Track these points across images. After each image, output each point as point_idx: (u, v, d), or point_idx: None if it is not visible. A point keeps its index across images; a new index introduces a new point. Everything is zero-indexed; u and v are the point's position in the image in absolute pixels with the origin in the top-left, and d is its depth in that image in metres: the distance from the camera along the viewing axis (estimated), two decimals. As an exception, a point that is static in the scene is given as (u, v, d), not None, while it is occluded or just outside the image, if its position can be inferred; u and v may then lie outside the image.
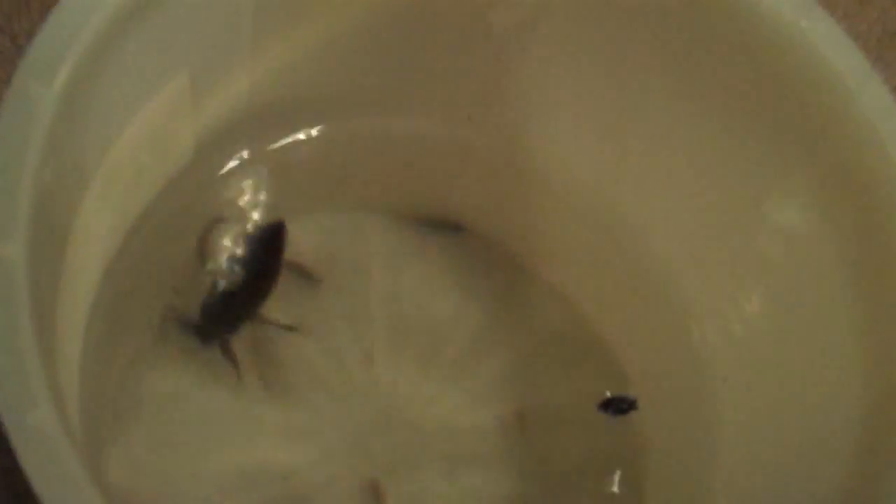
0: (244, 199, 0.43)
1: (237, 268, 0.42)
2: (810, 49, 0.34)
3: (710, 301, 0.40)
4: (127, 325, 0.39)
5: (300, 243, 0.44)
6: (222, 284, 0.42)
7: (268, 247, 0.43)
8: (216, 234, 0.42)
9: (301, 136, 0.42)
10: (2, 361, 0.25)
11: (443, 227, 0.46)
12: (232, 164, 0.41)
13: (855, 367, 0.33)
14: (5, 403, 0.25)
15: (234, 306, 0.42)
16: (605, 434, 0.43)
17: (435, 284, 0.45)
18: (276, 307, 0.43)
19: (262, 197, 0.43)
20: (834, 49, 0.34)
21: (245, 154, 0.41)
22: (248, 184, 0.42)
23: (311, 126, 0.42)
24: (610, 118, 0.41)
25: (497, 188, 0.44)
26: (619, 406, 0.42)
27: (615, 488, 0.43)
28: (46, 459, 0.25)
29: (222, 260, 0.42)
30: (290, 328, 0.42)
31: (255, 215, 0.43)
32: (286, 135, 0.41)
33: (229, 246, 0.42)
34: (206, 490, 0.40)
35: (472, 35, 0.38)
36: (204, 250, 0.42)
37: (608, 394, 0.43)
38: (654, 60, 0.37)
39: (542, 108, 0.41)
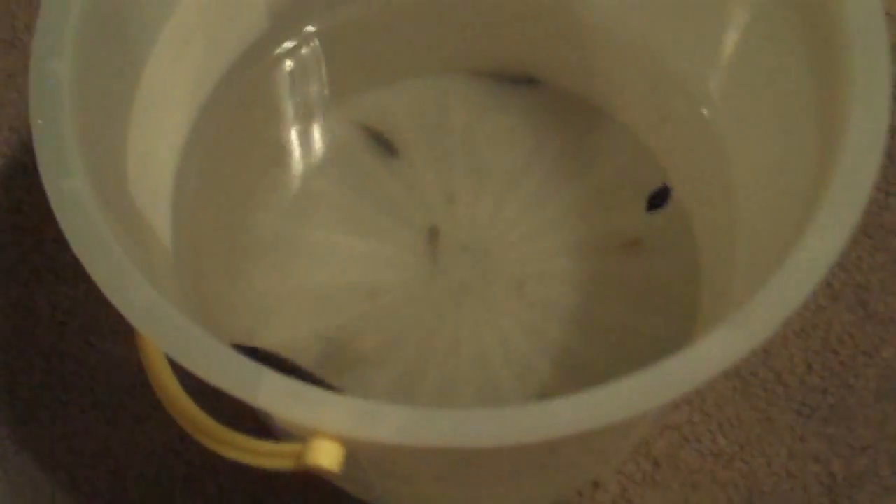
0: (319, 72, 0.50)
1: None
2: None
3: (727, 102, 0.44)
4: (224, 178, 0.47)
5: (385, 110, 0.51)
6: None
7: None
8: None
9: (370, 6, 0.48)
10: (43, 138, 0.33)
11: (520, 81, 0.51)
12: (305, 33, 0.48)
13: (812, 132, 0.37)
14: (45, 170, 0.33)
15: None
16: (662, 256, 0.48)
17: (513, 131, 0.51)
18: (360, 163, 0.50)
19: (339, 66, 0.50)
20: None
21: (317, 26, 0.48)
22: (321, 56, 0.49)
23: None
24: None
25: (565, 43, 0.49)
26: (657, 198, 0.47)
27: (676, 302, 0.47)
28: (79, 221, 0.32)
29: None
30: None
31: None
32: (358, 5, 0.48)
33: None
34: (306, 304, 0.47)
35: None
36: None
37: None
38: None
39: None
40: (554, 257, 0.48)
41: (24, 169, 0.53)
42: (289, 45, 0.48)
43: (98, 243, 0.31)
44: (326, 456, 0.30)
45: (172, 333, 0.31)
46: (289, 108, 0.49)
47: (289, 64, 0.49)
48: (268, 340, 0.46)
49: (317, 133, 0.50)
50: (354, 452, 0.30)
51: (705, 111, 0.44)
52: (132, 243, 0.35)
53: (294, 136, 0.50)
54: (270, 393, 0.30)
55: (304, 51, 0.49)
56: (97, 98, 0.36)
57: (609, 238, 0.48)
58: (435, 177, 0.50)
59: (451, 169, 0.50)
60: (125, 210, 0.38)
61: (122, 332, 0.48)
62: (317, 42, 0.49)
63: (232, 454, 0.32)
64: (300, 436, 0.31)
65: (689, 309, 0.46)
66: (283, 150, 0.49)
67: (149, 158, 0.41)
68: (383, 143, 0.50)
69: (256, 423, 0.34)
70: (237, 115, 0.47)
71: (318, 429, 0.30)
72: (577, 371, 0.46)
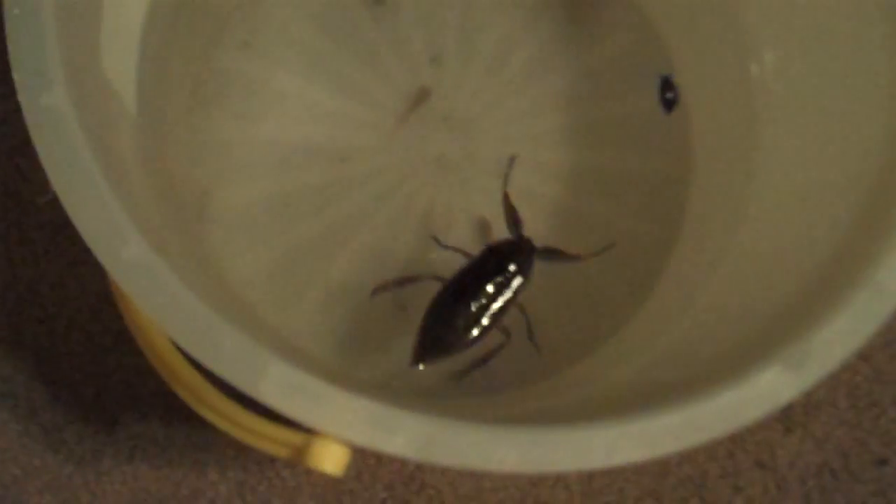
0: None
1: None
2: None
3: (770, 38, 0.40)
4: (195, 16, 0.41)
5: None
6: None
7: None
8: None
9: None
10: (19, 43, 0.27)
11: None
12: None
13: (876, 126, 0.34)
14: (22, 85, 0.27)
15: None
16: (658, 154, 0.44)
17: (511, -6, 0.45)
18: (342, 6, 0.44)
19: None
20: None
21: None
22: None
23: None
24: None
25: None
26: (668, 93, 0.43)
27: (661, 207, 0.44)
28: (56, 138, 0.27)
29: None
30: None
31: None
32: None
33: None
34: (269, 161, 0.43)
35: None
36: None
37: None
38: None
39: None
40: (541, 142, 0.44)
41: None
42: None
43: (86, 186, 0.27)
44: (330, 459, 0.27)
45: (169, 305, 0.27)
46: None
47: None
48: (226, 200, 0.42)
49: (298, -33, 0.44)
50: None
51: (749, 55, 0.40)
52: (106, 145, 0.30)
53: (272, -32, 0.43)
54: (275, 386, 0.26)
55: None
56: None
57: (601, 128, 0.44)
58: (422, 32, 0.45)
59: (441, 25, 0.45)
60: (95, 84, 0.32)
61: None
62: None
63: (223, 425, 0.28)
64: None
65: (676, 213, 0.44)
66: (258, -15, 0.43)
67: (120, 12, 0.35)
68: None
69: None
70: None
71: (326, 432, 0.27)
72: (554, 268, 0.43)
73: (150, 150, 0.37)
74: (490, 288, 0.38)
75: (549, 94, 0.45)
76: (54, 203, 0.28)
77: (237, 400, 0.29)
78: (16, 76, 0.27)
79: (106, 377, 0.44)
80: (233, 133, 0.43)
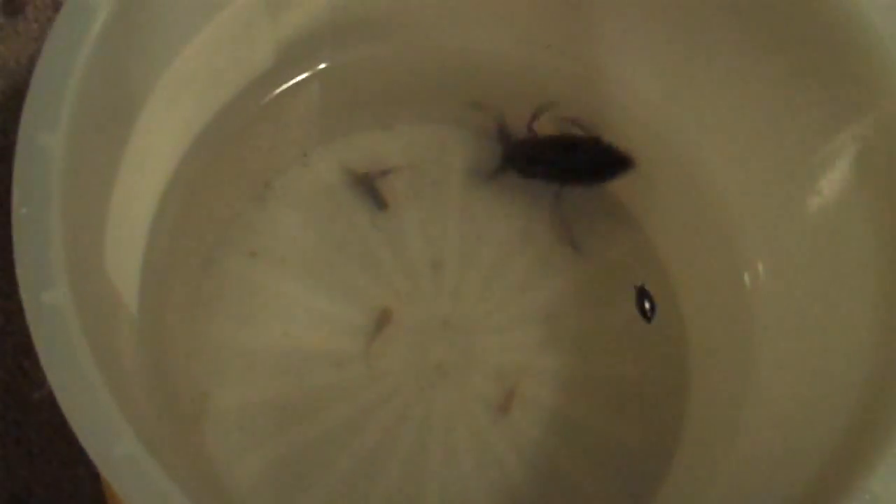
0: (320, 111, 0.45)
1: None
2: (863, 17, 0.34)
3: (764, 250, 0.41)
4: (201, 219, 0.42)
5: (379, 157, 0.46)
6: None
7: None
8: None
9: (382, 50, 0.44)
10: (25, 241, 0.28)
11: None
12: (309, 74, 0.44)
13: (867, 335, 0.34)
14: (24, 281, 0.28)
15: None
16: (654, 362, 0.45)
17: (511, 201, 0.47)
18: (345, 212, 0.46)
19: (339, 105, 0.45)
20: (884, 16, 0.34)
21: (323, 65, 0.44)
22: (322, 95, 0.45)
23: (391, 41, 0.43)
24: (678, 63, 0.42)
25: (578, 112, 0.46)
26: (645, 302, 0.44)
27: (659, 415, 0.44)
28: (54, 335, 0.28)
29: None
30: None
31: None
32: (367, 48, 0.43)
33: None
34: (268, 363, 0.43)
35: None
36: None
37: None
38: (722, 18, 0.38)
39: (615, 48, 0.42)
40: (540, 349, 0.45)
41: None
42: (291, 82, 0.43)
43: (82, 384, 0.27)
44: None
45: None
46: (278, 147, 0.45)
47: (286, 101, 0.44)
48: (224, 402, 0.42)
49: (303, 175, 0.46)
50: None
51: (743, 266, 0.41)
52: (106, 346, 0.30)
53: (279, 176, 0.45)
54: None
55: (304, 88, 0.44)
56: (88, 164, 0.32)
57: (598, 335, 0.45)
58: (423, 239, 0.46)
59: (442, 232, 0.46)
60: (98, 284, 0.33)
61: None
62: (319, 80, 0.44)
63: None
64: None
65: (675, 422, 0.44)
66: (265, 190, 0.45)
67: (127, 213, 0.36)
68: (372, 195, 0.46)
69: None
70: (223, 153, 0.42)
71: None
72: (552, 478, 0.43)
73: (149, 350, 0.38)
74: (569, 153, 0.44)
75: (548, 301, 0.45)
76: (52, 404, 0.28)
77: None
78: (19, 272, 0.28)
79: (95, 582, 0.43)
80: (232, 335, 0.43)
